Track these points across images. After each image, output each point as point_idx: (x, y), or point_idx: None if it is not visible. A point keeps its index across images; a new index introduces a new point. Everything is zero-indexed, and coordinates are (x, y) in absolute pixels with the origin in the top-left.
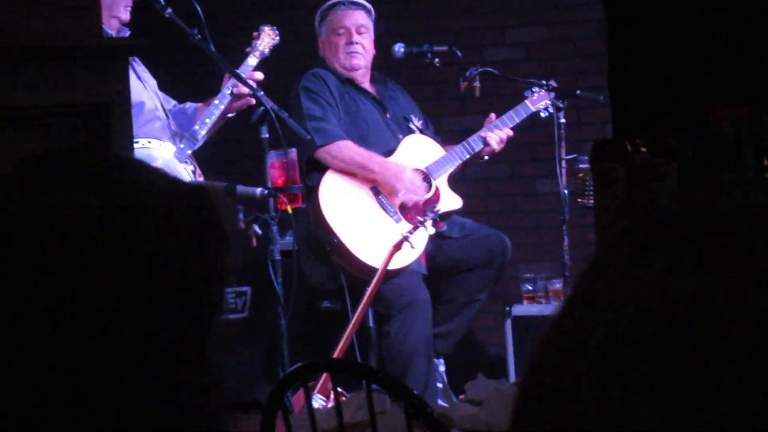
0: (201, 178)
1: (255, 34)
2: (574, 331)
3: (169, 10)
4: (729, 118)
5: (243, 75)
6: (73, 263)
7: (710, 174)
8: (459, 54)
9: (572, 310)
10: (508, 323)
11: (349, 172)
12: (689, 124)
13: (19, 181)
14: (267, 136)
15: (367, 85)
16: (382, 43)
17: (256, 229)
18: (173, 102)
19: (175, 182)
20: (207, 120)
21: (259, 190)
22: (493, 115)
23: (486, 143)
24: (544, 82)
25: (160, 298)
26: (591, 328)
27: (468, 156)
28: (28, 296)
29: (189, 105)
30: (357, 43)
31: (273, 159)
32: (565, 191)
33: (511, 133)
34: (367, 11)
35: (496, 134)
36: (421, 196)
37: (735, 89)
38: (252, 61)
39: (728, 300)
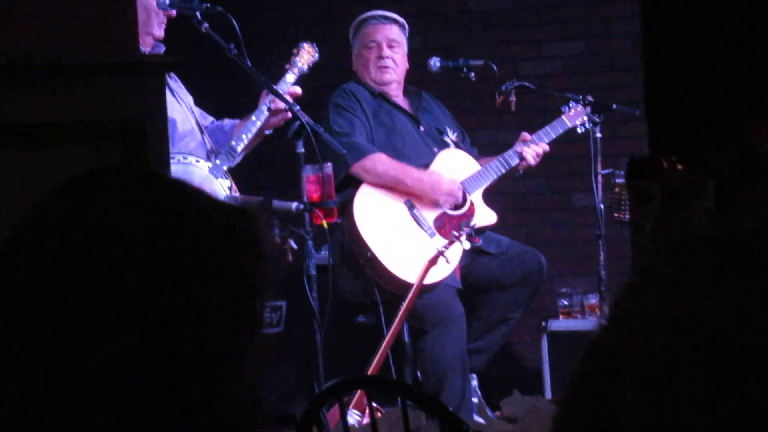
0: (237, 194)
1: (294, 50)
2: (612, 351)
3: (206, 25)
4: (766, 136)
5: (281, 91)
6: (117, 283)
7: (747, 192)
8: (495, 68)
9: (610, 331)
10: (544, 338)
11: (384, 185)
12: (726, 141)
13: (64, 200)
14: (303, 150)
15: (400, 99)
16: (419, 57)
17: (292, 243)
18: (210, 118)
19: (216, 202)
20: (244, 136)
21: (294, 204)
22: (525, 134)
23: (522, 158)
24: (580, 97)
25: (202, 316)
26: (629, 349)
27: (504, 171)
28: (74, 314)
29: (227, 121)
30: (387, 57)
31: (309, 174)
32: (601, 206)
33: (547, 148)
34: (400, 25)
35: (533, 149)
36: (460, 192)
37: None
38: (290, 77)
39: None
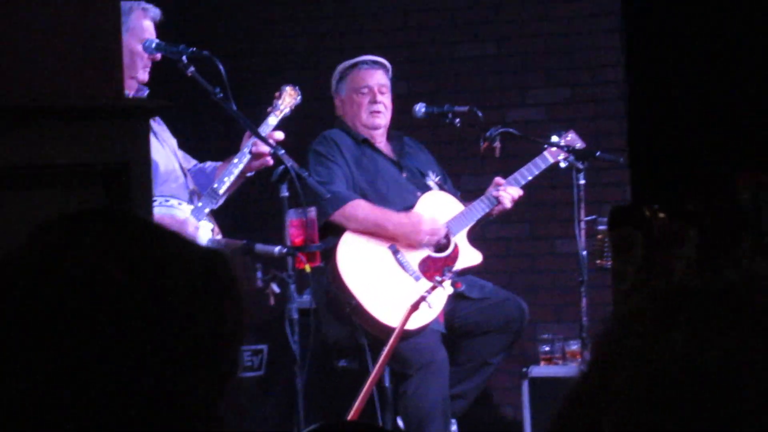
0: (219, 236)
1: (276, 93)
2: (593, 398)
3: (192, 69)
4: (748, 185)
5: (263, 134)
6: (91, 328)
7: (729, 241)
8: (480, 114)
9: (591, 378)
10: (525, 384)
11: (366, 231)
12: (708, 191)
13: (41, 243)
14: (287, 194)
15: (383, 144)
16: (404, 102)
17: (274, 287)
18: (193, 161)
19: (193, 246)
20: (226, 178)
21: (277, 248)
22: (499, 178)
23: (498, 202)
24: (562, 135)
25: (177, 360)
26: (610, 397)
27: (486, 211)
28: (48, 360)
29: (209, 164)
30: (380, 103)
31: (292, 218)
32: (584, 252)
33: (521, 192)
34: (386, 70)
35: (508, 193)
36: (442, 237)
37: (755, 156)
38: (272, 120)
39: (749, 371)
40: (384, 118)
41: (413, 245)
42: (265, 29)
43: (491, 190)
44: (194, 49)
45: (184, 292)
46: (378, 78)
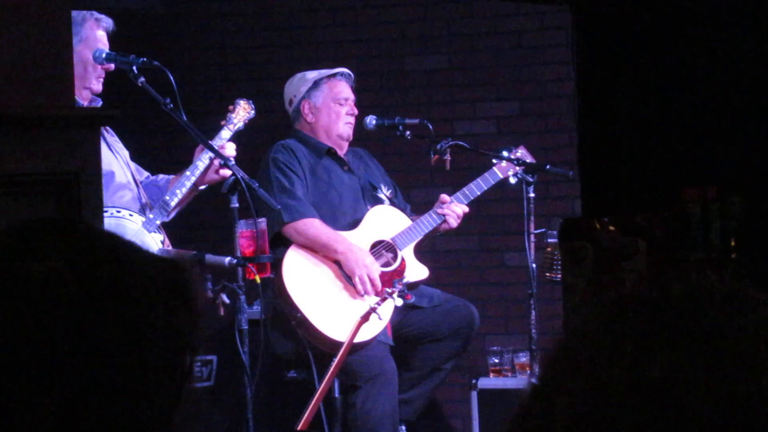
0: (170, 248)
1: (231, 107)
2: (542, 412)
3: (142, 79)
4: (697, 198)
5: (215, 146)
6: (45, 336)
7: (678, 253)
8: (430, 127)
9: (541, 391)
10: (474, 396)
11: (312, 249)
12: (657, 204)
13: None
14: (237, 205)
15: (342, 154)
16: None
17: (224, 298)
18: (146, 173)
19: (150, 256)
20: (178, 191)
21: (227, 259)
22: (444, 195)
23: (443, 220)
24: (513, 150)
25: (131, 370)
26: (559, 410)
27: (434, 226)
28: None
29: (161, 177)
30: (353, 115)
31: (242, 229)
32: (534, 265)
33: (466, 209)
34: (352, 84)
35: (453, 210)
36: (376, 286)
37: (703, 169)
38: (225, 134)
39: (695, 384)
40: (352, 129)
41: (350, 274)
42: (217, 40)
43: (437, 207)
44: (145, 59)
45: (140, 300)
46: (351, 91)
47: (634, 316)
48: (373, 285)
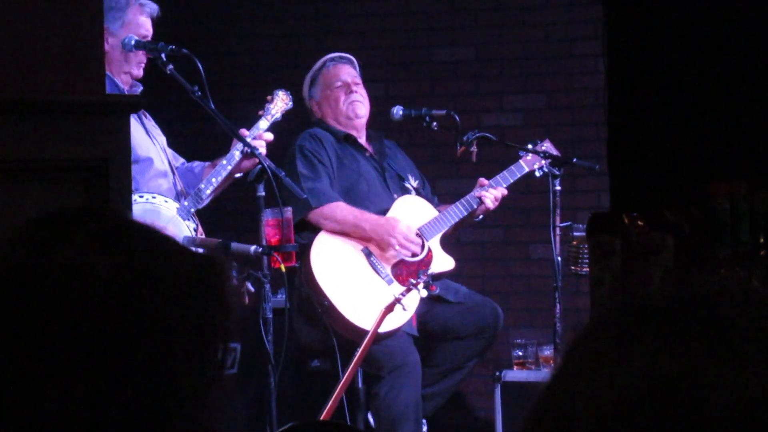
0: (202, 236)
1: (269, 97)
2: (562, 404)
3: (171, 67)
4: (726, 194)
5: (252, 136)
6: (79, 325)
7: (706, 249)
8: (457, 118)
9: (561, 383)
10: (498, 389)
11: (342, 232)
12: (687, 199)
13: (28, 240)
14: (263, 194)
15: (364, 142)
16: (381, 105)
17: (249, 286)
18: (181, 160)
19: (182, 247)
20: (213, 179)
21: (253, 247)
22: (483, 179)
23: (481, 202)
24: (539, 143)
25: (164, 359)
26: (579, 403)
27: (461, 216)
28: (36, 356)
29: (197, 164)
30: (356, 92)
31: (268, 217)
32: (559, 258)
33: (505, 192)
34: (354, 64)
35: (491, 193)
36: (416, 249)
37: (733, 165)
38: (263, 124)
39: (715, 385)
40: (364, 108)
41: (384, 248)
42: (246, 29)
43: (475, 191)
44: (173, 46)
45: (173, 293)
46: (348, 71)
47: (654, 313)
48: (415, 245)
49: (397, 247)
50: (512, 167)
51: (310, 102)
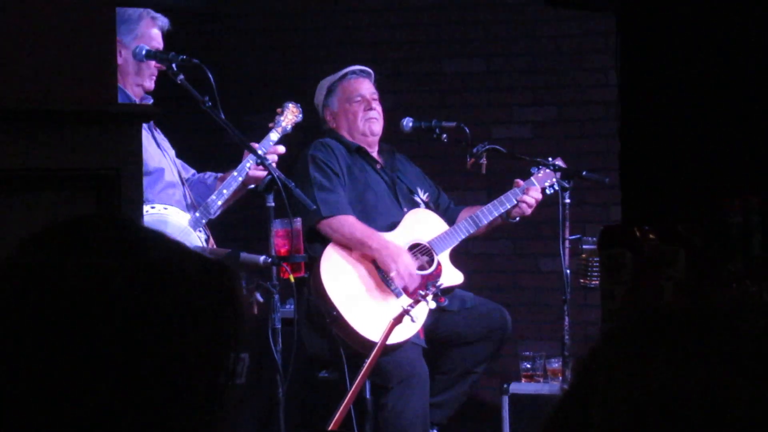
0: (213, 247)
1: (279, 110)
2: (575, 422)
3: (182, 77)
4: (738, 208)
5: (263, 149)
6: (95, 332)
7: (718, 263)
8: (467, 130)
9: (574, 397)
10: (505, 400)
11: (348, 246)
12: (698, 212)
13: (48, 244)
14: (273, 204)
15: (375, 154)
16: (392, 116)
17: (258, 296)
18: (192, 171)
19: (196, 256)
20: (224, 191)
21: (262, 257)
22: (519, 181)
23: (518, 203)
24: (550, 160)
25: (177, 368)
26: (593, 421)
27: (473, 231)
28: (51, 364)
29: (209, 174)
30: (374, 110)
31: (278, 228)
32: (568, 271)
33: (540, 196)
34: (372, 79)
35: (531, 195)
36: (414, 281)
37: (746, 179)
38: (274, 136)
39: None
40: (379, 125)
41: (386, 270)
42: (256, 39)
43: (510, 192)
44: (184, 56)
45: (187, 300)
46: (368, 86)
47: (671, 327)
48: (411, 280)
49: (393, 274)
50: (523, 185)
51: (323, 110)
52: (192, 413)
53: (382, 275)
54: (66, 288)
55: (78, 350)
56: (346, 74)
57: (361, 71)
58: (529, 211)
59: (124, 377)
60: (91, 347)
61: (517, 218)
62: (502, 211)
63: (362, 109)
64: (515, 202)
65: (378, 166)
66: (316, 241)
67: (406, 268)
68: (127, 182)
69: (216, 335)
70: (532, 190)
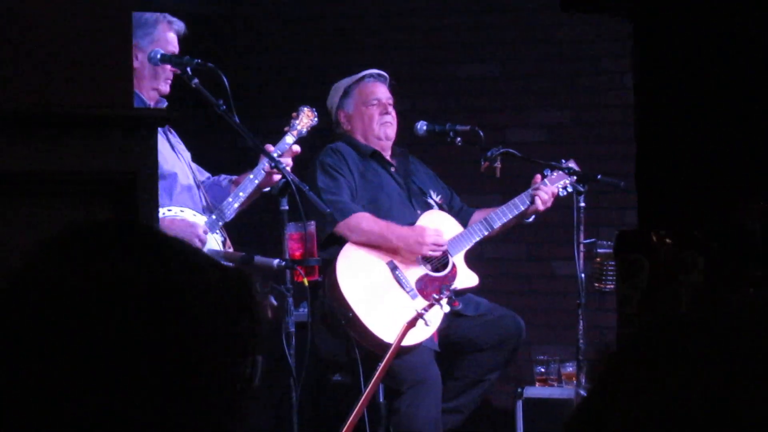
0: (230, 249)
1: (294, 114)
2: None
3: (196, 81)
4: (757, 213)
5: (279, 151)
6: (111, 333)
7: (735, 269)
8: (481, 134)
9: (589, 409)
10: (520, 405)
11: (369, 244)
12: (716, 217)
13: (66, 249)
14: (287, 208)
15: (388, 157)
16: (405, 119)
17: (272, 300)
18: (207, 174)
19: (215, 263)
20: (240, 193)
21: (276, 261)
22: (538, 176)
23: (533, 201)
24: (563, 163)
25: (190, 372)
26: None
27: (487, 233)
28: (70, 366)
29: (223, 177)
30: (390, 114)
31: (291, 231)
32: (582, 275)
33: (555, 190)
34: (390, 84)
35: (544, 191)
36: (445, 243)
37: (764, 184)
38: (289, 139)
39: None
40: (393, 129)
41: (413, 258)
42: (271, 44)
43: (532, 187)
44: (199, 60)
45: (204, 306)
46: (384, 91)
47: (688, 336)
48: (441, 241)
49: (429, 253)
50: (538, 185)
51: (337, 112)
52: (208, 419)
53: (397, 276)
54: (84, 294)
55: (94, 356)
56: (363, 77)
57: (378, 75)
58: (542, 207)
59: (141, 383)
60: (108, 353)
61: (532, 218)
62: (516, 213)
63: (378, 112)
64: (528, 204)
65: (392, 169)
66: (332, 243)
67: (436, 240)
68: (143, 187)
69: (233, 342)
70: (547, 187)
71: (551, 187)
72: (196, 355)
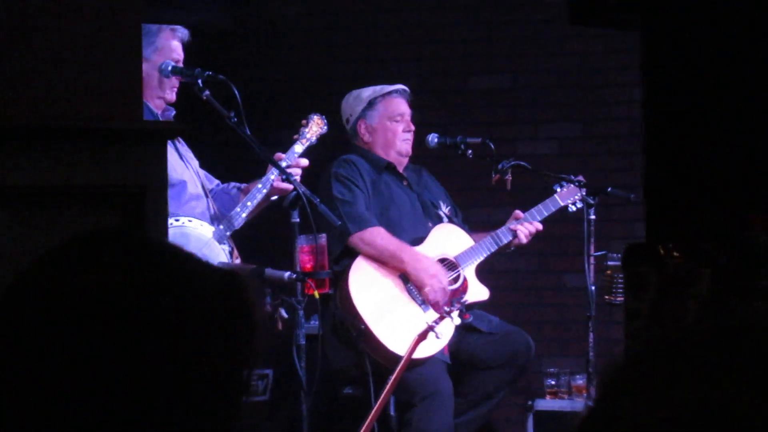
0: (238, 260)
1: (303, 122)
2: None
3: (207, 93)
4: (764, 226)
5: (287, 161)
6: (105, 347)
7: (743, 282)
8: (492, 146)
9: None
10: (530, 417)
11: (380, 259)
12: (724, 230)
13: (55, 263)
14: (298, 220)
15: (402, 170)
16: (417, 132)
17: (282, 312)
18: (216, 181)
19: (210, 269)
20: (249, 203)
21: (287, 273)
22: (518, 211)
23: (515, 236)
24: (573, 177)
25: (186, 380)
26: None
27: (496, 248)
28: (61, 379)
29: (232, 185)
30: (411, 131)
31: (303, 244)
32: (593, 287)
33: (540, 227)
34: (409, 99)
35: (526, 227)
36: (446, 295)
37: None
38: (298, 148)
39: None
40: (411, 145)
41: (417, 284)
42: (281, 55)
43: (509, 224)
44: (210, 72)
45: (198, 314)
46: (407, 107)
47: (696, 349)
48: (443, 294)
49: (427, 289)
50: (547, 201)
51: (358, 122)
52: (204, 423)
53: (409, 289)
54: (78, 303)
55: (88, 363)
56: (390, 91)
57: (404, 90)
58: (526, 241)
59: (135, 390)
60: (101, 361)
61: (512, 248)
62: (499, 246)
63: (402, 129)
64: (511, 238)
65: (405, 183)
66: (345, 255)
67: (440, 282)
68: (153, 199)
69: (229, 350)
70: (532, 224)
71: (534, 224)
72: (191, 361)
